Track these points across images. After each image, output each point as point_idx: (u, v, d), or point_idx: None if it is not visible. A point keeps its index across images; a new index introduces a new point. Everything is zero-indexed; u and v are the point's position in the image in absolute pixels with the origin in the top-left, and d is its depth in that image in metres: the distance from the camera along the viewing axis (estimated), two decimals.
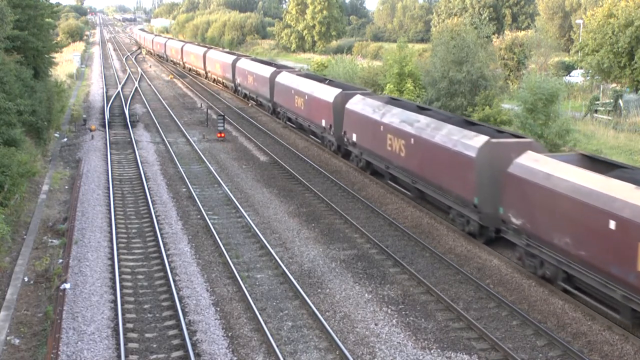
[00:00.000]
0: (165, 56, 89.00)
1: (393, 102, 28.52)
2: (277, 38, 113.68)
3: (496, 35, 57.97)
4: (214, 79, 60.94)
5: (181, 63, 77.17)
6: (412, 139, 23.71)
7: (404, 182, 25.03)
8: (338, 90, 31.99)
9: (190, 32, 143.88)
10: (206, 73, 64.26)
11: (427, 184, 22.86)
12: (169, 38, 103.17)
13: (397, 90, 40.18)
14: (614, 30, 43.84)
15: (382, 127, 26.12)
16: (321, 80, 37.58)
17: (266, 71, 44.33)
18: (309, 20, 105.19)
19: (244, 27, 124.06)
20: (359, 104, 29.12)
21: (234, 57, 55.39)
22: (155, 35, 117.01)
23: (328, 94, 32.49)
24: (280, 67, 45.62)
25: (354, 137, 28.98)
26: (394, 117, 25.67)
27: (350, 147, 29.81)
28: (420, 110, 26.21)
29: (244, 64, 50.63)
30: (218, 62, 58.71)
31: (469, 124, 23.05)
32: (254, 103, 48.76)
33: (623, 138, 36.11)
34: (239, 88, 52.16)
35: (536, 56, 55.17)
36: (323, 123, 32.68)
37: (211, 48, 68.82)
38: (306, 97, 35.12)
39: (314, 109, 34.12)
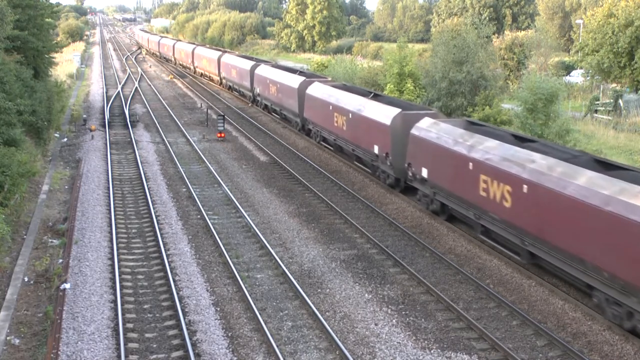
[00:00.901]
0: (173, 59, 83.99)
1: (476, 128, 22.58)
2: (277, 38, 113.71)
3: (496, 35, 57.98)
4: (230, 87, 56.53)
5: (192, 67, 71.92)
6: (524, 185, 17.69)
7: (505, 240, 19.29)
8: (396, 110, 25.59)
9: (190, 32, 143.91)
10: (220, 80, 59.70)
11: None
12: (177, 40, 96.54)
13: (397, 90, 40.21)
14: (614, 30, 43.84)
15: (471, 164, 20.15)
16: (364, 94, 31.40)
17: (294, 81, 38.26)
18: (309, 20, 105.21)
19: (244, 27, 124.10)
20: (431, 131, 22.82)
21: (252, 62, 49.26)
22: (162, 36, 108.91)
23: (382, 114, 26.37)
24: (311, 76, 39.54)
25: (424, 172, 22.88)
26: (491, 152, 19.61)
27: (416, 184, 23.93)
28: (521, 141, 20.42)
29: (265, 71, 44.75)
30: (234, 67, 53.05)
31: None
32: (278, 117, 42.44)
33: (623, 138, 36.12)
34: (258, 98, 46.52)
35: (536, 56, 55.18)
36: (375, 150, 26.64)
37: (226, 52, 63.16)
38: (350, 116, 29.02)
39: (362, 131, 27.88)
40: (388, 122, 25.48)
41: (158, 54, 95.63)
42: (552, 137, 28.43)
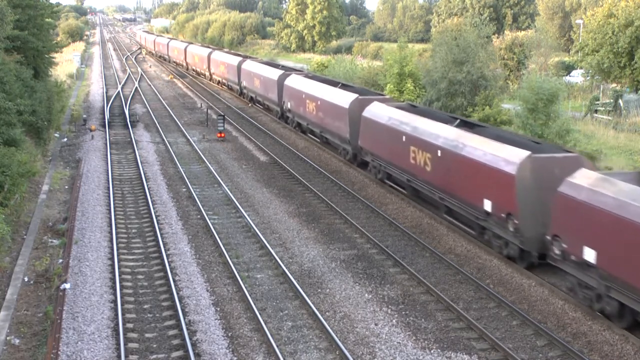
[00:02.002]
0: (184, 64, 76.37)
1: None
2: (277, 38, 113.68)
3: (496, 35, 57.99)
4: (252, 97, 49.84)
5: (207, 74, 65.07)
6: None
7: None
8: (524, 154, 18.29)
9: (190, 32, 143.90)
10: (241, 89, 52.91)
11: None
12: (189, 43, 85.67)
13: (397, 90, 40.21)
14: (614, 30, 43.83)
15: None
16: (447, 120, 24.42)
17: (343, 99, 30.37)
18: (309, 20, 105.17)
19: (244, 27, 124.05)
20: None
21: (280, 71, 42.21)
22: (171, 39, 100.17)
23: (501, 155, 18.97)
24: (366, 93, 31.39)
25: (586, 252, 16.49)
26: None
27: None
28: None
29: (299, 83, 37.60)
30: (258, 77, 46.23)
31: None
32: (318, 141, 35.07)
33: (623, 138, 36.10)
34: (289, 115, 39.37)
35: (536, 56, 55.16)
36: (489, 207, 19.30)
37: (248, 57, 56.27)
38: (439, 153, 21.81)
39: (466, 176, 20.43)
40: (513, 170, 18.18)
41: (167, 57, 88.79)
42: (552, 137, 28.43)
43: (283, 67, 42.85)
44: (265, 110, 43.46)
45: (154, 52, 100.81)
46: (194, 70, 71.74)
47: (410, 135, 23.78)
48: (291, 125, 39.09)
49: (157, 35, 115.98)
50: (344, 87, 34.26)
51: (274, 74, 41.90)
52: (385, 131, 25.59)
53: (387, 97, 31.78)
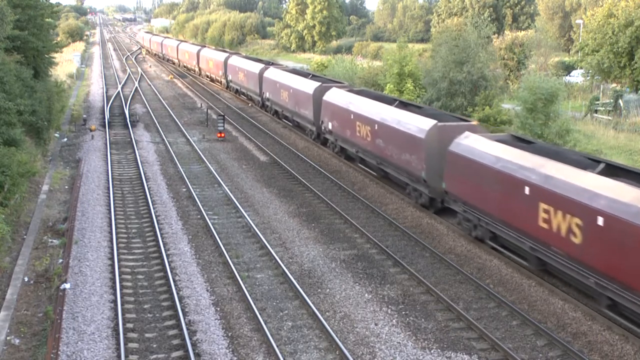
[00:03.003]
0: (197, 69, 69.56)
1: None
2: (277, 38, 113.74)
3: (496, 35, 58.01)
4: (277, 112, 42.26)
5: (224, 81, 58.21)
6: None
7: None
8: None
9: (190, 32, 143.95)
10: (263, 101, 45.50)
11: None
12: (202, 46, 76.45)
13: (397, 90, 40.23)
14: (614, 30, 43.85)
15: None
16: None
17: (413, 124, 23.82)
18: (309, 20, 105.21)
19: (244, 27, 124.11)
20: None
21: (316, 84, 34.78)
22: (181, 41, 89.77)
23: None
24: (447, 119, 24.27)
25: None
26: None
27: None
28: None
29: (343, 98, 30.53)
30: (286, 89, 38.78)
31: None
32: (375, 174, 28.18)
33: (623, 138, 36.12)
34: (329, 137, 32.31)
35: (536, 56, 55.21)
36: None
37: (271, 64, 48.03)
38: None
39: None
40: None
41: (176, 61, 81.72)
42: (552, 137, 28.44)
43: (317, 77, 38.33)
44: (298, 129, 38.07)
45: (161, 55, 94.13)
46: (207, 76, 65.44)
47: (513, 177, 20.21)
48: (332, 150, 32.33)
49: (165, 37, 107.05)
50: (405, 106, 26.94)
51: (308, 86, 35.55)
52: (480, 169, 20.07)
53: (473, 122, 24.04)
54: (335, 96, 31.78)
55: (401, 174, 24.84)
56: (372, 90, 37.82)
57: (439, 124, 22.63)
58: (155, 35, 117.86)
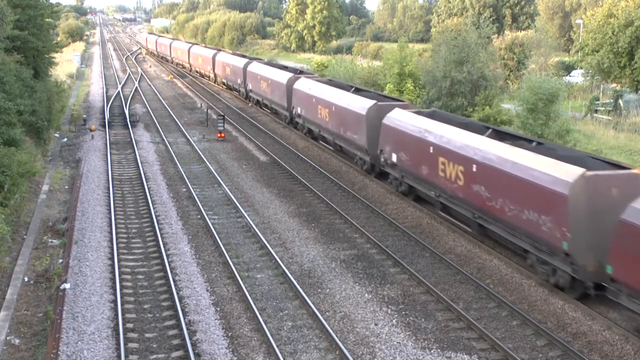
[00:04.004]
0: (212, 75, 62.42)
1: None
2: (277, 38, 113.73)
3: (496, 35, 58.02)
4: (310, 130, 35.74)
5: (243, 90, 51.29)
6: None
7: None
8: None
9: (190, 32, 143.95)
10: (291, 117, 38.75)
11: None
12: (217, 50, 67.85)
13: (397, 90, 40.23)
14: (614, 30, 43.86)
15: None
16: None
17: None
18: (309, 20, 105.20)
19: (244, 27, 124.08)
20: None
21: (370, 102, 27.83)
22: (192, 44, 79.56)
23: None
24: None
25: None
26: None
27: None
28: None
29: (404, 119, 24.78)
30: (326, 105, 32.03)
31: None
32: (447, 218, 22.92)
33: (623, 138, 36.12)
34: (393, 172, 25.63)
35: (536, 56, 55.21)
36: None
37: (302, 73, 41.56)
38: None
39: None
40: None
41: (187, 65, 74.12)
42: (552, 137, 28.44)
43: (364, 92, 31.63)
44: (344, 156, 31.29)
45: (169, 58, 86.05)
46: (224, 83, 58.48)
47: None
48: (396, 188, 25.43)
49: (173, 39, 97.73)
50: (501, 135, 21.09)
51: (359, 104, 28.46)
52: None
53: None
54: (402, 119, 24.66)
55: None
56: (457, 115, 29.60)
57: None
58: (162, 36, 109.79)
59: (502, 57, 54.50)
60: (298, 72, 42.08)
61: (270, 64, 50.64)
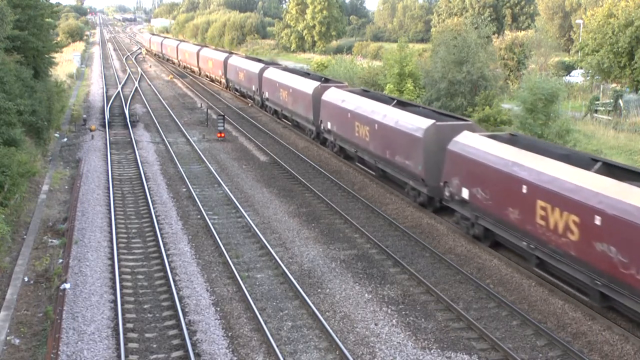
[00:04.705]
0: (224, 81, 57.68)
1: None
2: (277, 38, 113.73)
3: (496, 35, 58.03)
4: (342, 148, 31.29)
5: (258, 98, 46.58)
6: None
7: None
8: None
9: (190, 32, 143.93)
10: (319, 132, 33.80)
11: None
12: (229, 53, 62.09)
13: (397, 90, 40.23)
14: (614, 30, 43.86)
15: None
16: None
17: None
18: (309, 20, 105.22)
19: (244, 27, 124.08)
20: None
21: (427, 121, 23.38)
22: (202, 46, 74.68)
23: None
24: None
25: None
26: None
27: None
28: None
29: (491, 149, 19.73)
30: (363, 121, 27.66)
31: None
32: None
33: (623, 138, 36.12)
34: (461, 210, 21.08)
35: (536, 56, 55.22)
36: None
37: (328, 81, 36.58)
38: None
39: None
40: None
41: (196, 69, 69.20)
42: (552, 137, 28.43)
43: (412, 107, 27.17)
44: (387, 182, 26.74)
45: (176, 61, 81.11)
46: (237, 90, 53.73)
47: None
48: (466, 230, 20.82)
49: (180, 41, 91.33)
50: (619, 172, 16.78)
51: (412, 124, 23.81)
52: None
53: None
54: (476, 146, 20.05)
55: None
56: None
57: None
58: (168, 38, 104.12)
59: (502, 57, 54.50)
60: (323, 80, 37.39)
61: (290, 70, 44.79)
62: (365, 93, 31.66)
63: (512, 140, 20.34)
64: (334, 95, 31.52)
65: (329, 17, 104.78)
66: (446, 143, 21.46)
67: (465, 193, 20.25)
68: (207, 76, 64.78)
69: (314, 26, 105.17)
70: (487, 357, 14.25)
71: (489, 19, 45.07)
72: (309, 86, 35.15)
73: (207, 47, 75.00)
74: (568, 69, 62.10)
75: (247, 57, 57.51)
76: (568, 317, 15.83)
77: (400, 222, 22.76)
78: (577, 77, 56.49)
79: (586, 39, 47.22)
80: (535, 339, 14.97)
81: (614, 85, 47.85)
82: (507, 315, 16.12)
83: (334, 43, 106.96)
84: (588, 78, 49.88)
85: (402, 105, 27.57)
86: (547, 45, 56.77)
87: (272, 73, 42.80)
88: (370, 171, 28.02)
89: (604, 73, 45.78)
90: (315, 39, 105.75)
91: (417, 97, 39.58)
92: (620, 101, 43.11)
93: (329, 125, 31.84)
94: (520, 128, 29.44)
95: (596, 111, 44.10)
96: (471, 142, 20.46)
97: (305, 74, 41.37)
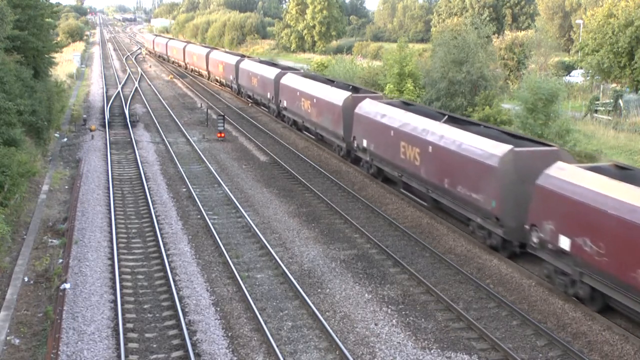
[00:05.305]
0: (236, 86, 53.59)
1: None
2: (277, 38, 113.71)
3: (496, 35, 58.03)
4: (379, 169, 27.13)
5: (274, 107, 42.69)
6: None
7: None
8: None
9: (190, 32, 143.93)
10: (350, 149, 30.01)
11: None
12: (242, 56, 56.83)
13: (397, 90, 40.23)
14: (614, 30, 43.85)
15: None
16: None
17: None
18: (309, 20, 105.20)
19: (244, 27, 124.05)
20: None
21: (501, 146, 19.36)
22: (211, 49, 68.61)
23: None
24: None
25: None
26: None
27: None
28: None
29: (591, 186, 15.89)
30: (413, 141, 23.59)
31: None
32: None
33: (623, 138, 36.10)
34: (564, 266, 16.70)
35: (536, 56, 55.19)
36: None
37: (359, 91, 32.46)
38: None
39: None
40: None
41: (205, 72, 65.53)
42: (552, 137, 28.43)
43: (466, 123, 23.82)
44: (447, 217, 22.80)
45: (182, 63, 77.09)
46: (250, 97, 49.78)
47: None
48: (567, 289, 16.67)
49: (187, 42, 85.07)
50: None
51: (479, 147, 19.90)
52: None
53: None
54: (574, 179, 16.25)
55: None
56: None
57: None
58: (173, 39, 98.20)
59: (502, 57, 54.49)
60: (351, 88, 33.20)
61: (311, 76, 40.29)
62: (407, 107, 27.22)
63: (625, 176, 16.15)
64: (370, 108, 27.31)
65: (329, 17, 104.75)
66: (527, 173, 17.90)
67: (564, 242, 16.21)
68: (217, 81, 61.53)
69: (314, 26, 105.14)
70: (487, 357, 14.25)
71: (488, 18, 44.99)
72: (338, 96, 30.90)
73: (216, 49, 69.52)
74: (568, 69, 62.09)
75: (262, 62, 52.32)
76: (568, 317, 15.83)
77: (400, 222, 22.76)
78: (577, 77, 56.47)
79: (586, 39, 47.21)
80: (535, 339, 14.97)
81: (614, 85, 47.84)
82: (507, 315, 16.12)
83: (334, 43, 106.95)
84: (588, 78, 49.86)
85: (456, 122, 23.67)
86: (547, 45, 56.75)
87: (291, 80, 38.87)
88: (421, 201, 23.56)
89: (604, 73, 45.76)
90: (315, 39, 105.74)
91: (417, 97, 39.58)
92: (620, 101, 43.10)
93: (364, 143, 27.54)
94: (520, 128, 29.45)
95: (596, 111, 44.08)
96: (570, 178, 16.38)
97: (329, 81, 37.08)
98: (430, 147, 22.20)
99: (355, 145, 28.52)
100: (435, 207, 22.86)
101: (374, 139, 26.59)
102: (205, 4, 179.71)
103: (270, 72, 43.04)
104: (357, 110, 28.29)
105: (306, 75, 40.91)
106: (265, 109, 45.70)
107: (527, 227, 17.62)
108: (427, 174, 22.53)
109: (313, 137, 35.40)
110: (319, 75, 42.65)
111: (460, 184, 20.41)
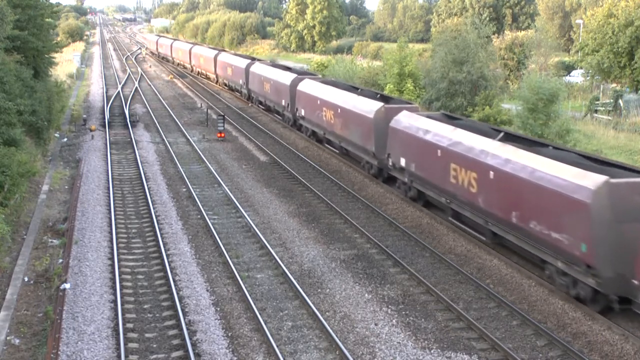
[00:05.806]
0: (245, 91, 50.43)
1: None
2: (277, 38, 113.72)
3: (496, 35, 58.04)
4: (420, 191, 23.94)
5: (289, 115, 39.20)
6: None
7: None
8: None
9: (190, 32, 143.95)
10: (381, 166, 26.94)
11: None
12: (252, 59, 53.89)
13: (397, 90, 40.24)
14: (614, 30, 43.87)
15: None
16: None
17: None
18: (309, 20, 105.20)
19: (244, 27, 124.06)
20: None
21: (601, 177, 15.51)
22: (219, 50, 66.52)
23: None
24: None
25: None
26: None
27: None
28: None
29: None
30: (473, 165, 19.81)
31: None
32: None
33: (623, 138, 36.11)
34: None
35: (536, 56, 55.20)
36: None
37: (392, 101, 29.15)
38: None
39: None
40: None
41: (213, 76, 62.62)
42: (552, 137, 28.45)
43: (529, 142, 20.48)
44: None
45: (188, 66, 73.64)
46: (262, 104, 46.61)
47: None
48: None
49: (194, 44, 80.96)
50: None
51: (562, 177, 16.45)
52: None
53: None
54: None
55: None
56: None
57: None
58: (177, 40, 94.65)
59: (502, 57, 54.51)
60: (379, 97, 29.86)
61: (331, 82, 36.25)
62: (453, 121, 23.80)
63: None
64: (410, 122, 24.11)
65: (329, 17, 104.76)
66: (627, 211, 15.20)
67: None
68: (225, 84, 58.40)
69: (314, 26, 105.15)
70: (487, 357, 14.25)
71: (488, 18, 45.05)
72: (367, 107, 27.56)
73: (225, 51, 66.76)
74: (568, 69, 62.10)
75: (275, 65, 48.29)
76: (568, 317, 15.83)
77: (400, 222, 22.76)
78: (577, 77, 56.49)
79: (586, 39, 47.23)
80: (535, 339, 14.97)
81: (614, 85, 47.86)
82: (507, 315, 16.12)
83: (334, 43, 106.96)
84: (588, 78, 49.88)
85: (514, 140, 20.39)
86: (547, 45, 56.76)
87: (309, 86, 35.36)
88: (476, 234, 20.40)
89: (604, 73, 45.78)
90: (315, 39, 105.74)
91: (417, 97, 39.60)
92: (620, 101, 43.11)
93: (402, 162, 24.25)
94: (521, 128, 29.46)
95: (596, 111, 44.10)
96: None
97: (352, 88, 33.10)
98: (491, 173, 18.76)
99: (391, 163, 25.31)
100: (497, 243, 19.55)
101: (414, 158, 23.40)
102: (205, 4, 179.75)
103: (286, 78, 39.44)
104: (392, 124, 24.94)
105: (325, 81, 37.03)
106: (278, 117, 42.11)
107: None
108: (487, 204, 19.17)
109: (337, 151, 31.86)
110: (340, 82, 38.33)
111: (535, 219, 17.07)
